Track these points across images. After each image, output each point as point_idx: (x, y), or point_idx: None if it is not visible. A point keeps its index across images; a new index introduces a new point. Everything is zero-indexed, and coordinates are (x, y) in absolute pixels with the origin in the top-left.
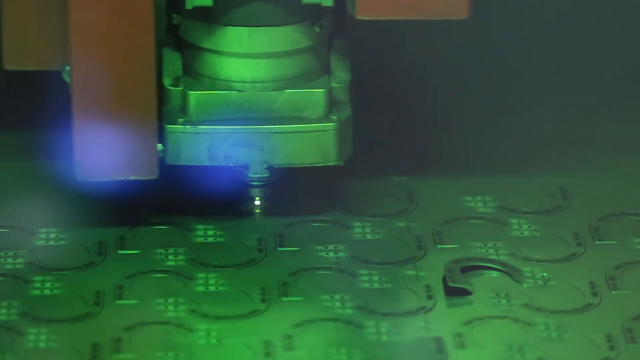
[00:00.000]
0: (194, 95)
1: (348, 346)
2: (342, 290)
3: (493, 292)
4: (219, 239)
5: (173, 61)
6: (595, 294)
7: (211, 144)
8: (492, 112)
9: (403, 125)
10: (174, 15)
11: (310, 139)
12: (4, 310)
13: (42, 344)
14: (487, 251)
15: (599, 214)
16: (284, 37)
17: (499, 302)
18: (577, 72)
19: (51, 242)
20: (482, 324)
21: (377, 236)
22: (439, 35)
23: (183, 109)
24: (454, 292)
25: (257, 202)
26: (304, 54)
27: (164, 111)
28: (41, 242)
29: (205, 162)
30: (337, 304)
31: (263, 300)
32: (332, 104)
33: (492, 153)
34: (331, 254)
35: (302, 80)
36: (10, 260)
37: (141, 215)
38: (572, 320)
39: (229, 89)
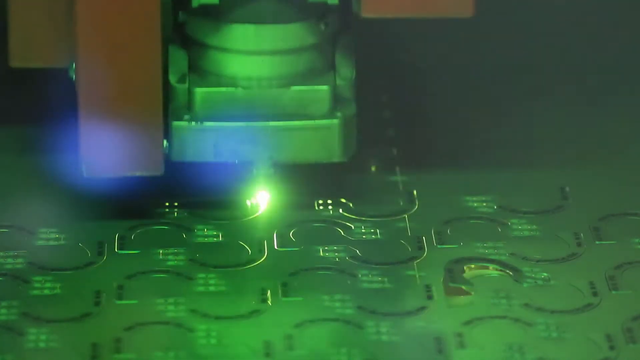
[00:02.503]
0: (199, 92)
1: (348, 346)
2: (342, 290)
3: (493, 292)
4: (219, 239)
5: (179, 58)
6: (595, 294)
7: (217, 141)
8: (492, 112)
9: (403, 124)
10: (180, 13)
11: (315, 135)
12: (4, 310)
13: (42, 344)
14: (487, 251)
15: (599, 214)
16: (290, 34)
17: (499, 302)
18: (578, 71)
19: (51, 242)
20: (482, 324)
21: (377, 236)
22: (441, 34)
23: (189, 106)
24: (454, 292)
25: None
26: (309, 52)
27: (170, 108)
28: (41, 242)
29: (211, 158)
30: (337, 304)
31: (263, 300)
32: (336, 101)
33: (492, 153)
34: (331, 254)
35: (307, 77)
36: (10, 260)
37: (141, 215)
38: (572, 320)
39: (235, 85)
